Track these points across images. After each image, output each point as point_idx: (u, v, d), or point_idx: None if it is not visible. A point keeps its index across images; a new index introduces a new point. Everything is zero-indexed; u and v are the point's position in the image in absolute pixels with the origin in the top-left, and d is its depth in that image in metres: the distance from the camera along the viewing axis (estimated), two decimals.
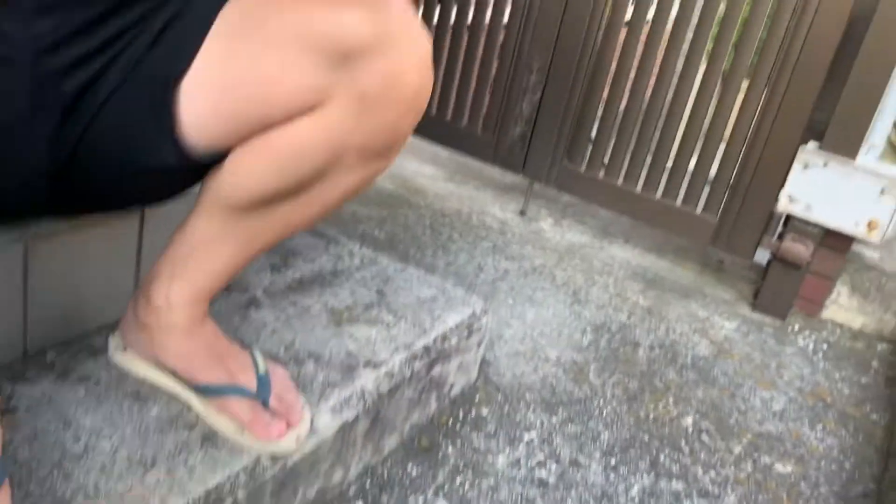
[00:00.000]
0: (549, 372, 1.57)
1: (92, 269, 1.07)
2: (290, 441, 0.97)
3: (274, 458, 0.97)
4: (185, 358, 0.98)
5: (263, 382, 0.98)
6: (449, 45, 2.40)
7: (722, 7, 2.00)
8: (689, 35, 2.06)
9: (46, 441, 0.89)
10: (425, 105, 0.90)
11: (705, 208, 2.13)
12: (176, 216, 0.97)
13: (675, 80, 2.10)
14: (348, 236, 1.74)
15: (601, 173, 2.26)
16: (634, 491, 1.27)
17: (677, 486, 1.31)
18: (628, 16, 2.16)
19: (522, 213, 2.46)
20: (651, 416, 1.50)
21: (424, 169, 2.66)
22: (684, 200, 2.15)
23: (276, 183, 0.87)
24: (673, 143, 2.14)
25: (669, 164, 2.16)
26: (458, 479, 1.21)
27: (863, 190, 1.91)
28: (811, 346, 1.94)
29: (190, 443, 0.94)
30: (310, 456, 1.04)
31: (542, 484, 1.24)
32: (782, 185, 1.99)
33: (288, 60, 0.82)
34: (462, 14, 2.36)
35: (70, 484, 0.84)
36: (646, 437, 1.43)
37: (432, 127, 2.48)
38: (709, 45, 2.05)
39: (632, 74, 2.17)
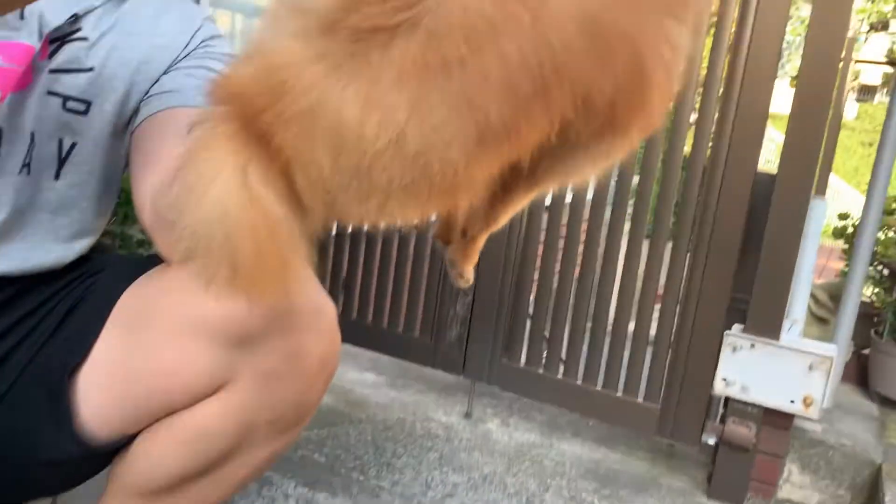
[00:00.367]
0: None
1: None
2: None
3: None
4: None
5: None
6: (380, 251, 2.46)
7: (635, 179, 2.11)
8: (607, 214, 2.15)
9: None
10: (335, 370, 0.90)
11: (646, 397, 2.13)
12: (90, 497, 0.92)
13: (599, 261, 2.17)
14: (286, 469, 1.67)
15: (540, 368, 2.27)
16: None
17: None
18: (548, 201, 2.26)
19: (468, 415, 2.43)
20: None
21: (365, 377, 2.63)
22: (625, 390, 2.16)
23: (185, 466, 0.84)
24: (606, 329, 2.17)
25: (605, 352, 2.19)
26: None
27: (792, 368, 1.95)
28: None
29: None
30: None
31: None
32: (716, 368, 2.02)
33: (185, 349, 0.81)
34: None
35: None
36: None
37: (369, 335, 2.49)
38: (627, 224, 2.14)
39: (558, 262, 2.24)
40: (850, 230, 2.98)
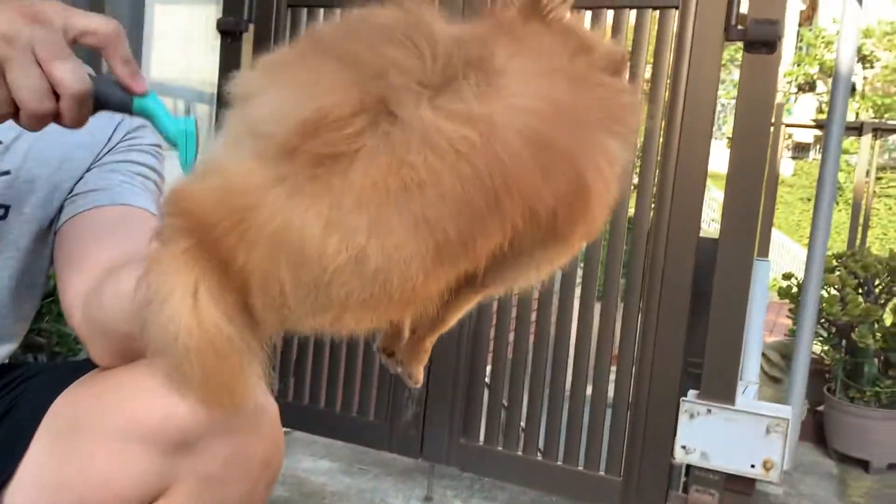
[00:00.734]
0: None
1: None
2: None
3: None
4: None
5: None
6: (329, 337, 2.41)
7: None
8: (558, 278, 2.15)
9: None
10: (279, 470, 0.87)
11: (608, 469, 2.09)
12: None
13: (553, 326, 2.16)
14: None
15: (500, 446, 2.22)
16: None
17: None
18: None
19: (428, 498, 2.35)
20: None
21: (319, 464, 2.55)
22: (586, 463, 2.12)
23: None
24: (564, 395, 2.15)
25: (564, 419, 2.15)
26: None
27: (749, 432, 1.94)
28: None
29: None
30: None
31: None
32: (675, 435, 2.00)
33: (120, 456, 0.77)
34: None
35: None
36: None
37: (322, 420, 2.41)
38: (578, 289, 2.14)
39: (511, 332, 2.22)
40: (795, 290, 3.03)
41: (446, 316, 0.77)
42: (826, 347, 3.05)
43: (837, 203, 9.33)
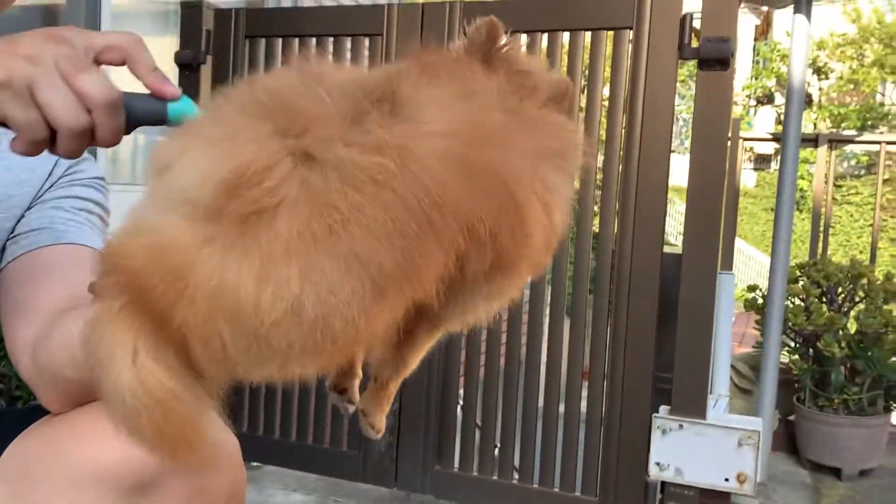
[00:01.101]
0: None
1: None
2: None
3: None
4: None
5: None
6: None
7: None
8: (527, 294, 2.14)
9: None
10: (243, 501, 0.85)
11: (583, 490, 2.08)
12: None
13: (523, 342, 2.15)
14: None
15: (475, 471, 2.20)
16: None
17: None
18: None
19: None
20: None
21: (292, 498, 2.50)
22: (562, 485, 2.11)
23: None
24: (537, 412, 2.14)
25: (539, 438, 2.14)
26: None
27: (722, 445, 1.94)
28: None
29: None
30: None
31: None
32: (648, 452, 2.00)
33: (76, 502, 0.75)
34: None
35: None
36: None
37: (294, 453, 2.37)
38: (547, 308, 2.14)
39: (482, 354, 2.21)
40: (761, 301, 3.07)
41: (405, 358, 0.77)
42: (794, 357, 3.08)
43: (800, 212, 9.50)
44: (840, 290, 3.07)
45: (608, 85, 2.06)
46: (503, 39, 0.73)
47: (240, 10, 2.36)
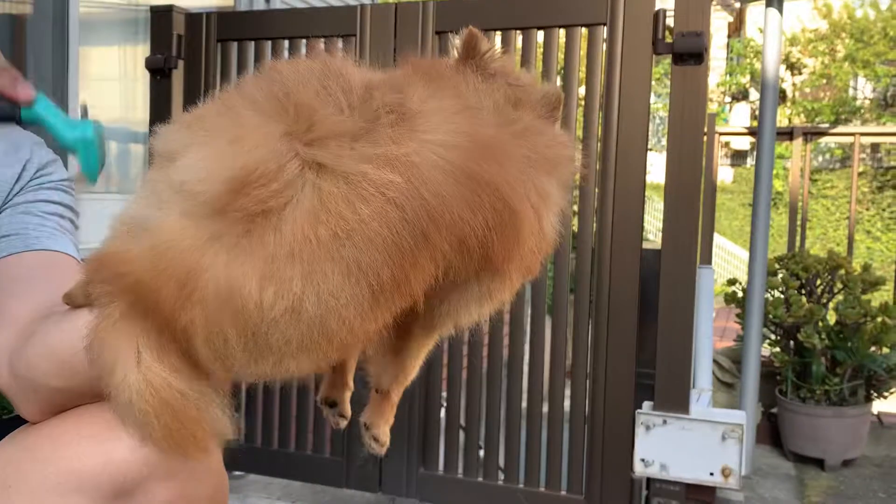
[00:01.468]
0: None
1: None
2: None
3: None
4: None
5: None
6: None
7: None
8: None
9: None
10: (226, 501, 0.85)
11: (569, 489, 2.08)
12: None
13: (504, 342, 2.14)
14: None
15: (459, 473, 2.19)
16: None
17: None
18: None
19: None
20: None
21: None
22: (547, 484, 2.10)
23: None
24: (520, 412, 2.12)
25: (523, 437, 2.13)
26: None
27: (706, 439, 1.94)
28: None
29: None
30: None
31: None
32: (632, 450, 1.99)
33: None
34: None
35: None
36: None
37: (277, 461, 2.35)
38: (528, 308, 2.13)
39: (464, 357, 2.19)
40: (741, 294, 3.08)
41: (407, 364, 0.79)
42: (775, 350, 3.09)
43: (777, 206, 9.59)
44: (819, 281, 3.08)
45: (584, 82, 2.05)
46: (484, 47, 0.74)
47: (211, 14, 2.33)
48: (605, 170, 1.99)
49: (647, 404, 2.00)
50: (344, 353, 0.61)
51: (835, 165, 11.81)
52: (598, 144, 2.02)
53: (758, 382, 2.75)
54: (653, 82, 2.02)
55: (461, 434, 2.21)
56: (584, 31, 2.02)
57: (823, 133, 4.03)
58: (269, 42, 2.29)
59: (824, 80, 12.62)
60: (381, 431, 0.84)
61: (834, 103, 12.29)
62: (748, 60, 13.47)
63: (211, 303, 0.54)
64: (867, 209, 11.01)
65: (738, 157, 13.33)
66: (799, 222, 3.59)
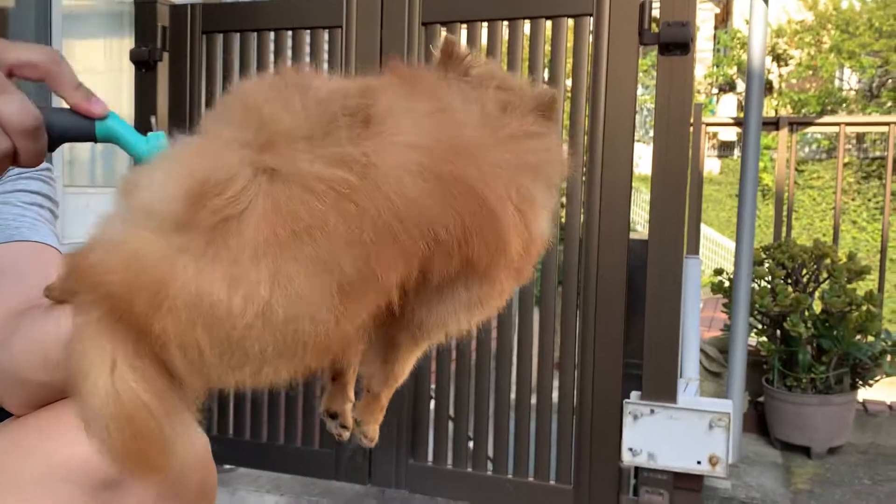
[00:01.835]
0: None
1: None
2: None
3: None
4: None
5: None
6: None
7: None
8: None
9: None
10: (214, 497, 0.85)
11: (558, 478, 2.09)
12: None
13: (493, 334, 2.15)
14: None
15: (449, 464, 2.19)
16: None
17: None
18: None
19: None
20: None
21: (266, 499, 2.47)
22: (536, 474, 2.11)
23: None
24: (509, 403, 2.13)
25: (511, 428, 2.14)
26: None
27: (693, 428, 1.96)
28: None
29: None
30: None
31: None
32: (620, 439, 2.00)
33: (46, 503, 0.73)
34: None
35: None
36: None
37: (266, 454, 2.35)
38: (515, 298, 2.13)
39: (453, 350, 2.20)
40: (727, 284, 3.10)
41: (396, 370, 0.80)
42: (761, 339, 3.11)
43: (764, 197, 9.64)
44: (805, 270, 3.11)
45: (570, 73, 2.05)
46: (463, 53, 0.75)
47: (196, 6, 2.31)
48: (593, 161, 2.00)
49: (634, 394, 2.01)
50: (323, 358, 0.60)
51: (821, 156, 11.88)
52: (585, 136, 2.02)
53: (744, 371, 2.77)
54: (640, 74, 2.02)
55: (450, 425, 2.21)
56: (570, 21, 2.02)
57: (809, 123, 4.05)
58: (255, 34, 2.28)
59: (810, 72, 12.68)
60: (370, 429, 0.85)
61: (820, 94, 12.35)
62: (735, 52, 13.51)
63: (182, 312, 0.55)
64: (853, 199, 11.09)
65: (725, 149, 13.39)
66: (785, 213, 3.61)
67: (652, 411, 1.97)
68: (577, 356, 2.05)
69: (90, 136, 0.68)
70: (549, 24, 2.04)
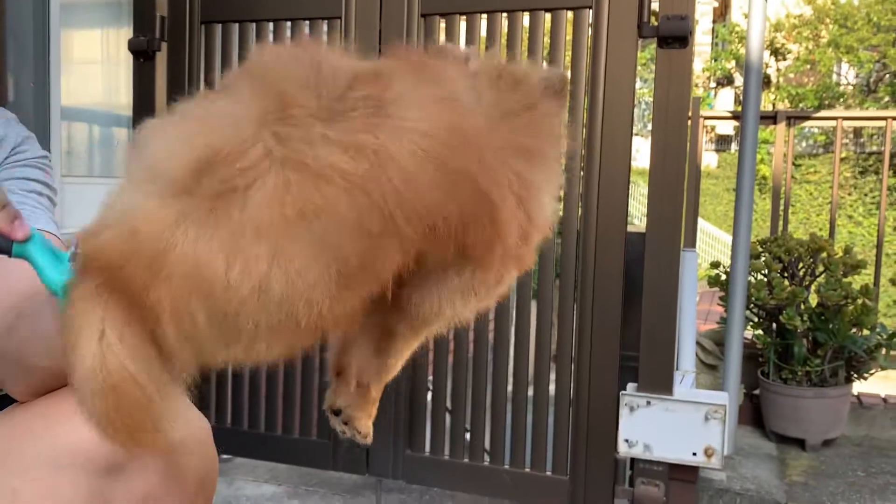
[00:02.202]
0: None
1: None
2: None
3: None
4: None
5: None
6: None
7: None
8: None
9: None
10: (214, 486, 0.87)
11: (554, 469, 2.10)
12: None
13: (491, 326, 2.15)
14: None
15: (446, 454, 2.20)
16: None
17: None
18: None
19: None
20: None
21: (263, 490, 2.48)
22: (532, 465, 2.12)
23: None
24: (506, 395, 2.14)
25: (508, 420, 2.15)
26: None
27: (689, 420, 1.97)
28: None
29: None
30: None
31: None
32: (617, 430, 2.01)
33: (50, 486, 0.74)
34: None
35: None
36: None
37: (263, 444, 2.35)
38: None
39: (451, 341, 2.20)
40: (724, 277, 3.11)
41: (386, 361, 0.80)
42: (757, 332, 3.13)
43: (761, 191, 9.65)
44: (801, 264, 3.12)
45: (569, 69, 2.05)
46: (459, 53, 0.75)
47: None
48: (591, 154, 2.00)
49: (631, 386, 2.02)
50: (313, 338, 0.61)
51: (818, 151, 11.89)
52: (584, 129, 2.02)
53: (740, 364, 2.78)
54: (638, 67, 2.03)
55: (447, 417, 2.22)
56: (569, 14, 2.02)
57: (807, 117, 4.06)
58: (254, 24, 2.27)
59: (808, 66, 12.69)
60: (362, 424, 0.85)
61: (817, 89, 12.36)
62: (733, 46, 13.50)
63: (178, 280, 0.55)
64: (849, 194, 11.11)
65: (722, 143, 13.40)
66: (782, 207, 3.62)
67: (648, 403, 1.98)
68: (575, 348, 2.06)
69: (6, 252, 0.69)
70: (548, 16, 2.04)
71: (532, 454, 2.12)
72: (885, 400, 3.27)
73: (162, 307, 0.55)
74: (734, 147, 12.78)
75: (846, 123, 3.87)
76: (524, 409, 2.13)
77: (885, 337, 3.04)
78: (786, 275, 3.10)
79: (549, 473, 2.10)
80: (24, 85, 2.65)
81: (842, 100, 12.37)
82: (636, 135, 2.02)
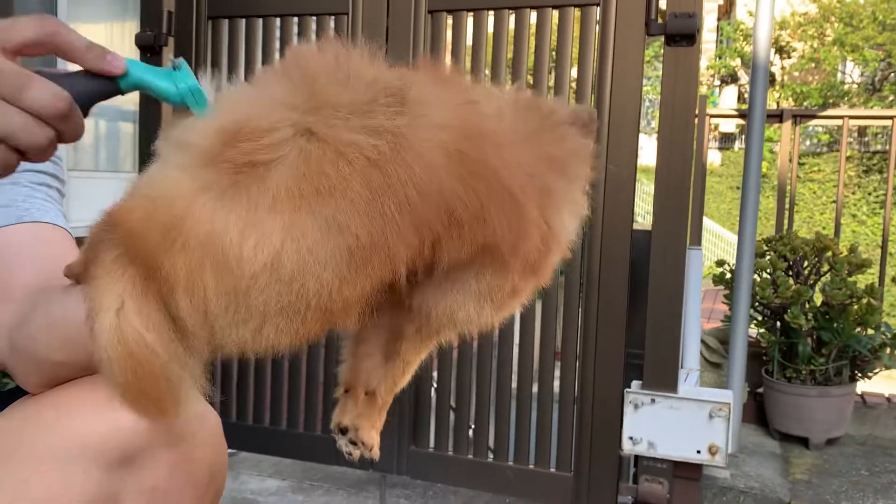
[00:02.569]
0: None
1: None
2: None
3: None
4: None
5: None
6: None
7: None
8: None
9: None
10: (224, 479, 0.87)
11: (558, 466, 2.10)
12: None
13: (496, 332, 2.16)
14: None
15: (450, 450, 2.21)
16: None
17: None
18: None
19: None
20: None
21: (268, 484, 2.49)
22: (536, 462, 2.12)
23: None
24: (510, 393, 2.14)
25: (513, 418, 2.15)
26: None
27: (693, 418, 1.97)
28: None
29: None
30: None
31: None
32: (621, 427, 2.01)
33: (60, 477, 0.74)
34: None
35: None
36: None
37: (268, 439, 2.36)
38: None
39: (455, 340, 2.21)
40: (728, 276, 3.11)
41: (395, 369, 0.80)
42: (762, 330, 3.13)
43: (765, 189, 9.63)
44: (806, 263, 3.11)
45: (576, 66, 2.05)
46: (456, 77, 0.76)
47: None
48: (596, 152, 2.00)
49: (635, 383, 2.03)
50: (324, 322, 0.61)
51: (822, 149, 11.86)
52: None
53: (744, 362, 2.78)
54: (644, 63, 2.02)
55: (451, 414, 2.23)
56: (576, 11, 2.02)
57: (813, 116, 4.05)
58: (261, 20, 2.27)
59: (813, 64, 12.65)
60: (369, 436, 0.84)
61: (822, 87, 12.32)
62: (738, 43, 13.47)
63: (193, 249, 0.56)
64: (853, 193, 11.08)
65: (725, 141, 13.37)
66: (787, 206, 3.61)
67: (653, 401, 1.99)
68: (579, 346, 2.06)
69: (117, 93, 0.67)
70: (555, 13, 2.04)
71: (536, 451, 2.12)
72: (889, 399, 3.27)
73: (176, 277, 0.56)
74: (738, 145, 12.76)
75: (851, 122, 3.86)
76: (528, 405, 2.14)
77: (889, 336, 3.04)
78: (791, 273, 3.10)
79: (552, 470, 2.10)
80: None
81: (846, 98, 12.33)
82: (640, 132, 2.02)
